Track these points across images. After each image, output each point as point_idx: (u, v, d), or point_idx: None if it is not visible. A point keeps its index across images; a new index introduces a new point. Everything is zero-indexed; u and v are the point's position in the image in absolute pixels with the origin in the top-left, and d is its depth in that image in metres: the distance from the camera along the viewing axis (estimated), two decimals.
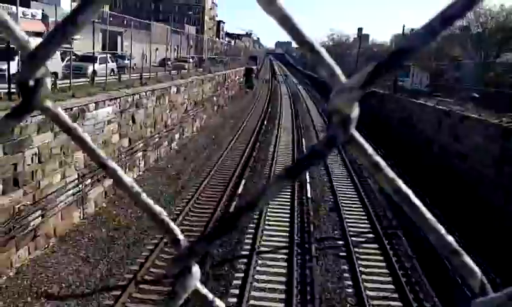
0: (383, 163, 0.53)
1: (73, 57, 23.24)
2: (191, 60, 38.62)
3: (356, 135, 0.52)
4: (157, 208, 0.58)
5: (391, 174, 0.53)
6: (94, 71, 20.21)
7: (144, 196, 0.58)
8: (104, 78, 19.22)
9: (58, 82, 16.58)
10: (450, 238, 0.53)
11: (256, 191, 0.53)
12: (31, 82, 0.54)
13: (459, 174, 20.21)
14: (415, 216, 0.53)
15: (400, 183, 0.53)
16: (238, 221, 0.54)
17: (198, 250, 0.56)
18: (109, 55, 23.72)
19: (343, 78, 0.52)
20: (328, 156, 0.53)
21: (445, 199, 18.42)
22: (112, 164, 0.57)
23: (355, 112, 0.51)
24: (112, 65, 23.93)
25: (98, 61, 22.05)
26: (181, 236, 0.58)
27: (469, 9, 0.47)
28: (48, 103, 0.56)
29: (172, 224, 0.58)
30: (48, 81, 0.55)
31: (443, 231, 0.53)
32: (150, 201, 0.58)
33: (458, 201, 18.22)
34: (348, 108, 0.50)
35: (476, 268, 0.53)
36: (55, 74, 16.54)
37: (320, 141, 0.52)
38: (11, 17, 0.57)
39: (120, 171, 0.57)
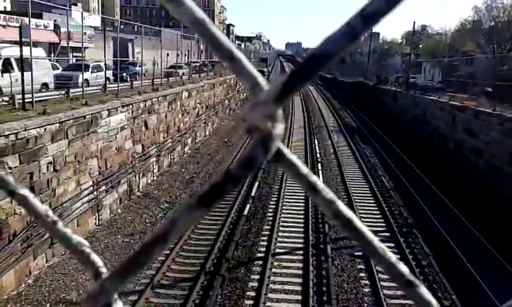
0: (320, 184, 0.47)
1: (65, 66, 23.28)
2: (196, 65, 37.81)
3: (286, 152, 0.47)
4: (76, 238, 0.53)
5: (330, 195, 0.47)
6: (86, 81, 19.55)
7: (60, 224, 0.53)
8: (95, 87, 18.60)
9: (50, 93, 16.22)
10: (402, 268, 0.47)
11: (166, 223, 0.48)
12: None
13: (475, 170, 19.97)
14: (361, 243, 0.47)
15: (341, 205, 0.47)
16: (151, 255, 0.49)
17: (113, 285, 0.51)
18: (102, 63, 23.42)
19: (266, 87, 0.46)
20: (245, 178, 0.47)
21: (463, 196, 18.22)
22: (23, 191, 0.53)
23: (278, 128, 0.45)
24: (107, 73, 22.36)
25: (90, 69, 21.57)
26: (103, 269, 0.53)
27: (396, 3, 0.41)
28: None
29: (94, 256, 0.53)
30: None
31: (393, 258, 0.48)
32: (68, 230, 0.53)
33: (476, 197, 18.00)
34: (267, 123, 0.44)
35: (433, 302, 0.47)
36: (45, 85, 16.24)
37: (237, 162, 0.46)
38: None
39: (32, 198, 0.53)
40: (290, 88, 0.44)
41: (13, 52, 17.30)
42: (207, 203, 0.47)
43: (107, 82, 21.53)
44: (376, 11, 0.41)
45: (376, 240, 0.47)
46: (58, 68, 23.66)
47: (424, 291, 0.47)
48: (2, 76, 16.06)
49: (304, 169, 0.47)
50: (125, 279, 0.51)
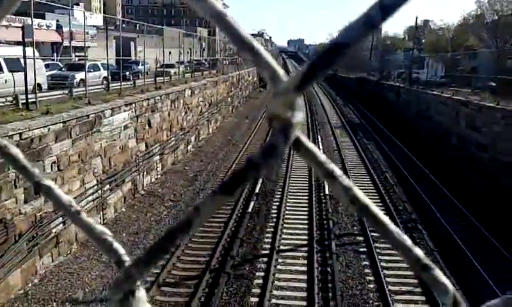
0: (337, 170, 0.48)
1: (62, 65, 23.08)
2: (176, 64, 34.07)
3: (304, 139, 0.48)
4: (99, 228, 0.55)
5: (346, 182, 0.48)
6: (83, 81, 18.94)
7: (84, 214, 0.54)
8: (92, 87, 17.93)
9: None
10: (418, 251, 0.49)
11: (192, 209, 0.50)
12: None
13: (479, 165, 19.92)
14: (378, 228, 0.48)
15: (357, 192, 0.48)
16: (175, 240, 0.51)
17: (138, 272, 0.53)
18: (100, 63, 22.95)
19: (285, 78, 0.48)
20: (267, 166, 0.48)
21: (467, 190, 18.20)
22: (47, 182, 0.54)
23: (298, 116, 0.47)
24: (104, 73, 22.20)
25: (86, 69, 21.14)
26: (126, 257, 0.54)
27: None
28: None
29: (116, 244, 0.55)
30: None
31: (409, 242, 0.49)
32: (91, 220, 0.55)
33: (480, 192, 17.96)
34: (287, 112, 0.46)
35: (449, 284, 0.48)
36: (39, 85, 15.29)
37: (258, 150, 0.48)
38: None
39: (56, 189, 0.54)
40: (310, 78, 0.46)
41: (2, 52, 17.13)
42: (230, 191, 0.48)
43: (105, 81, 21.37)
44: (395, 2, 0.43)
45: (391, 224, 0.48)
46: (61, 68, 23.71)
47: (439, 273, 0.48)
48: None
49: (322, 157, 0.48)
50: (149, 265, 0.53)
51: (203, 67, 38.84)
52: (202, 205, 0.50)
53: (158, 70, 28.50)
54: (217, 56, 50.72)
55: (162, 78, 24.44)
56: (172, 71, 29.12)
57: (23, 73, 13.27)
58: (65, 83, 18.96)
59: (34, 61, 13.52)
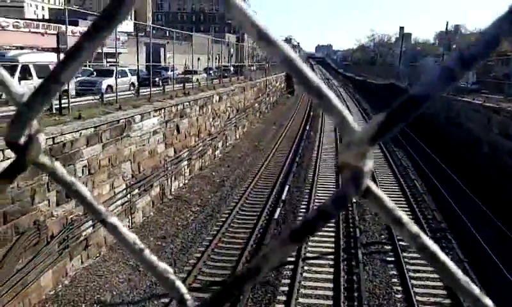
0: (405, 218, 0.48)
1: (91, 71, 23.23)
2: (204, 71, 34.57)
3: (373, 188, 0.48)
4: (162, 266, 0.55)
5: (415, 229, 0.48)
6: (110, 87, 19.37)
7: (147, 252, 0.55)
8: (121, 93, 17.98)
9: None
10: (487, 301, 0.48)
11: (260, 255, 0.50)
12: (22, 140, 0.52)
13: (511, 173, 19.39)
14: (444, 275, 0.48)
15: (426, 239, 0.48)
16: (242, 287, 0.51)
17: None
18: (127, 69, 23.13)
19: (354, 125, 0.47)
20: (337, 216, 0.49)
21: (498, 199, 17.74)
22: (113, 219, 0.55)
23: (368, 165, 0.46)
24: (132, 78, 22.50)
25: (114, 74, 20.99)
26: (188, 296, 0.55)
27: (493, 47, 0.42)
28: (45, 159, 0.54)
29: (178, 283, 0.55)
30: (42, 137, 0.53)
31: (477, 291, 0.48)
32: (154, 258, 0.55)
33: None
34: (359, 161, 0.46)
35: None
36: (66, 91, 15.13)
37: (329, 199, 0.47)
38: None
39: (122, 227, 0.54)
40: (386, 130, 0.45)
41: (32, 58, 17.26)
42: (299, 239, 0.49)
43: (132, 87, 21.60)
44: (474, 55, 0.43)
45: (460, 272, 0.48)
46: (93, 74, 24.20)
47: None
48: (20, 83, 15.45)
49: (391, 204, 0.48)
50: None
51: (228, 73, 38.59)
52: (271, 253, 0.50)
53: (179, 76, 28.18)
54: (245, 62, 50.95)
55: (190, 84, 24.67)
56: (195, 78, 27.84)
57: None
58: (93, 89, 19.14)
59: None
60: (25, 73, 16.10)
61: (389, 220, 0.48)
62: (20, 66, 16.05)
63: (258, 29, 0.46)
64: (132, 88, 21.08)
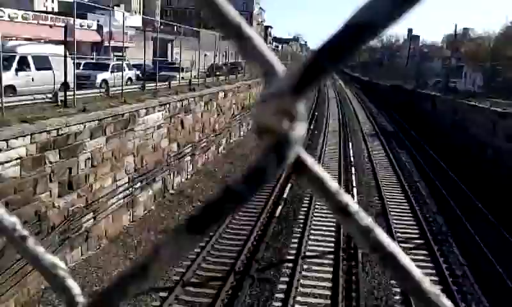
0: (353, 204, 0.36)
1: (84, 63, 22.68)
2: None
3: (308, 161, 0.35)
4: (49, 259, 0.44)
5: (366, 221, 0.36)
6: (105, 81, 19.03)
7: (31, 241, 0.43)
8: (118, 88, 16.82)
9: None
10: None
11: (147, 253, 0.37)
12: None
13: None
14: (405, 283, 0.36)
15: (380, 234, 0.36)
16: (128, 289, 0.38)
17: None
18: (125, 63, 22.33)
19: (281, 73, 0.34)
20: (252, 195, 0.35)
21: (502, 204, 17.65)
22: None
23: (298, 128, 0.32)
24: (130, 73, 21.79)
25: (109, 69, 20.90)
26: (81, 298, 0.44)
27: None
28: None
29: (70, 281, 0.44)
30: None
31: (448, 305, 0.37)
32: (41, 249, 0.44)
33: None
34: (282, 123, 0.32)
35: None
36: (66, 84, 13.85)
37: (239, 174, 0.34)
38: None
39: (1, 209, 0.43)
40: (315, 73, 0.32)
41: (30, 49, 16.74)
42: (200, 229, 0.35)
43: (129, 82, 21.06)
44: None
45: (426, 281, 0.36)
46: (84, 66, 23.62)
47: None
48: (17, 75, 14.95)
49: (334, 185, 0.35)
50: None
51: (220, 72, 36.95)
52: (162, 247, 0.36)
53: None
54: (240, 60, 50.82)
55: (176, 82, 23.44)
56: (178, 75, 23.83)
57: (49, 71, 13.29)
58: (87, 83, 18.44)
59: (66, 59, 13.55)
60: (23, 65, 15.46)
61: (331, 207, 0.35)
62: (17, 57, 15.37)
63: None
64: (129, 82, 20.49)
